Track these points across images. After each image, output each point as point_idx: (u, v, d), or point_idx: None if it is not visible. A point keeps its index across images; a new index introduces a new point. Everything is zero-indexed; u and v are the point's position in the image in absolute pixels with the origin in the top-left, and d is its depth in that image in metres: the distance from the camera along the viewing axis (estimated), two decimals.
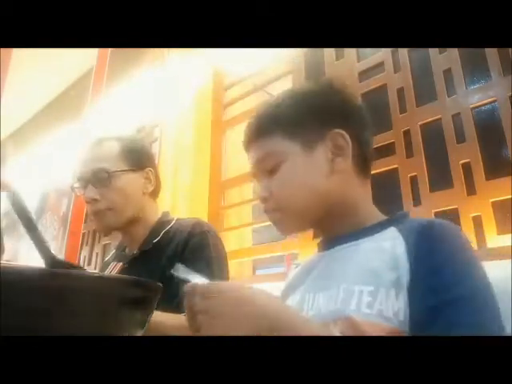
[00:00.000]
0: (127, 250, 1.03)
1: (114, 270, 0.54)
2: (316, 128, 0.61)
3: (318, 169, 0.60)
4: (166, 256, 0.93)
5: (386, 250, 0.54)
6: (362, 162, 0.63)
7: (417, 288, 0.49)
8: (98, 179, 0.94)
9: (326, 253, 0.63)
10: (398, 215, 0.61)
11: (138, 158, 1.00)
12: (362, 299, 0.51)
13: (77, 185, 0.98)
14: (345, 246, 0.60)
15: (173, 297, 0.85)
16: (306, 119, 0.61)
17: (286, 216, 0.61)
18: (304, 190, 0.59)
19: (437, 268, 0.49)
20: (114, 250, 1.14)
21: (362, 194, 0.64)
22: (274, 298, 0.50)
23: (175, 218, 1.03)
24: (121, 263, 0.57)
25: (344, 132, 0.60)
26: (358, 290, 0.52)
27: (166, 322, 0.75)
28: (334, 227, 0.63)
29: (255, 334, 0.44)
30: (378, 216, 0.63)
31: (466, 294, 0.47)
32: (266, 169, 0.62)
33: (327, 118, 0.62)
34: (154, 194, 1.05)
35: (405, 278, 0.50)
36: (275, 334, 0.43)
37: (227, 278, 0.94)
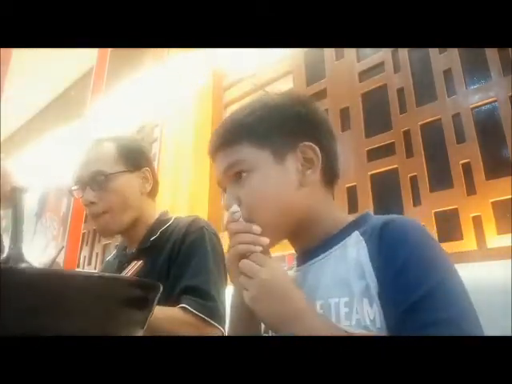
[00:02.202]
0: (127, 250, 1.04)
1: (133, 269, 0.55)
2: (287, 139, 0.61)
3: (287, 180, 0.59)
4: (164, 254, 0.93)
5: (351, 258, 0.54)
6: (330, 173, 0.63)
7: (385, 294, 0.49)
8: (95, 182, 0.93)
9: (301, 269, 0.62)
10: (360, 218, 0.61)
11: (135, 158, 1.00)
12: (340, 312, 0.51)
13: (75, 187, 0.98)
14: (316, 259, 0.60)
15: (170, 294, 0.86)
16: (277, 130, 0.61)
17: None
18: (274, 200, 0.59)
19: (399, 271, 0.49)
20: (115, 250, 1.15)
21: (328, 204, 0.63)
22: (305, 301, 0.51)
23: (173, 217, 1.04)
24: (141, 261, 0.57)
25: (314, 145, 0.60)
26: (334, 303, 0.52)
27: (157, 314, 0.75)
28: (304, 240, 0.63)
29: (273, 326, 0.51)
30: (344, 222, 0.62)
31: (431, 290, 0.46)
32: (234, 176, 0.61)
33: (298, 130, 0.62)
34: (153, 193, 1.05)
35: (373, 286, 0.50)
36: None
37: (224, 273, 0.94)
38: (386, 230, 0.52)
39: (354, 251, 0.54)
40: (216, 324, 0.82)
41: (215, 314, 0.84)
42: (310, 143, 0.60)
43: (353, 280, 0.52)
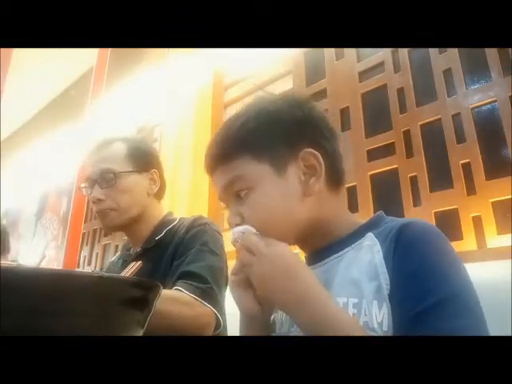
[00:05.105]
0: (132, 250, 1.05)
1: (132, 269, 0.56)
2: (285, 149, 0.58)
3: (291, 192, 0.57)
4: (169, 253, 0.94)
5: (364, 260, 0.53)
6: (334, 174, 0.61)
7: (396, 297, 0.48)
8: (104, 180, 0.96)
9: (312, 268, 0.61)
10: (374, 219, 0.60)
11: (144, 159, 1.03)
12: (348, 312, 0.50)
13: (84, 185, 1.00)
14: (328, 259, 0.58)
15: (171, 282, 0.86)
16: (274, 140, 0.58)
17: None
18: (278, 215, 0.57)
19: (413, 274, 0.48)
20: (120, 251, 1.17)
21: (337, 207, 0.62)
22: (318, 284, 0.50)
23: (178, 217, 1.05)
24: (140, 262, 0.58)
25: (315, 151, 0.58)
26: (342, 303, 0.51)
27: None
28: (315, 243, 0.61)
29: (282, 305, 0.51)
30: (355, 223, 0.61)
31: (445, 297, 0.45)
32: (235, 194, 0.59)
33: (296, 136, 0.59)
34: (159, 194, 1.07)
35: (385, 287, 0.49)
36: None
37: (224, 262, 0.95)
38: (403, 233, 0.52)
39: (369, 253, 0.53)
40: (208, 305, 0.83)
41: (207, 295, 0.84)
42: (311, 150, 0.58)
43: (364, 281, 0.51)
